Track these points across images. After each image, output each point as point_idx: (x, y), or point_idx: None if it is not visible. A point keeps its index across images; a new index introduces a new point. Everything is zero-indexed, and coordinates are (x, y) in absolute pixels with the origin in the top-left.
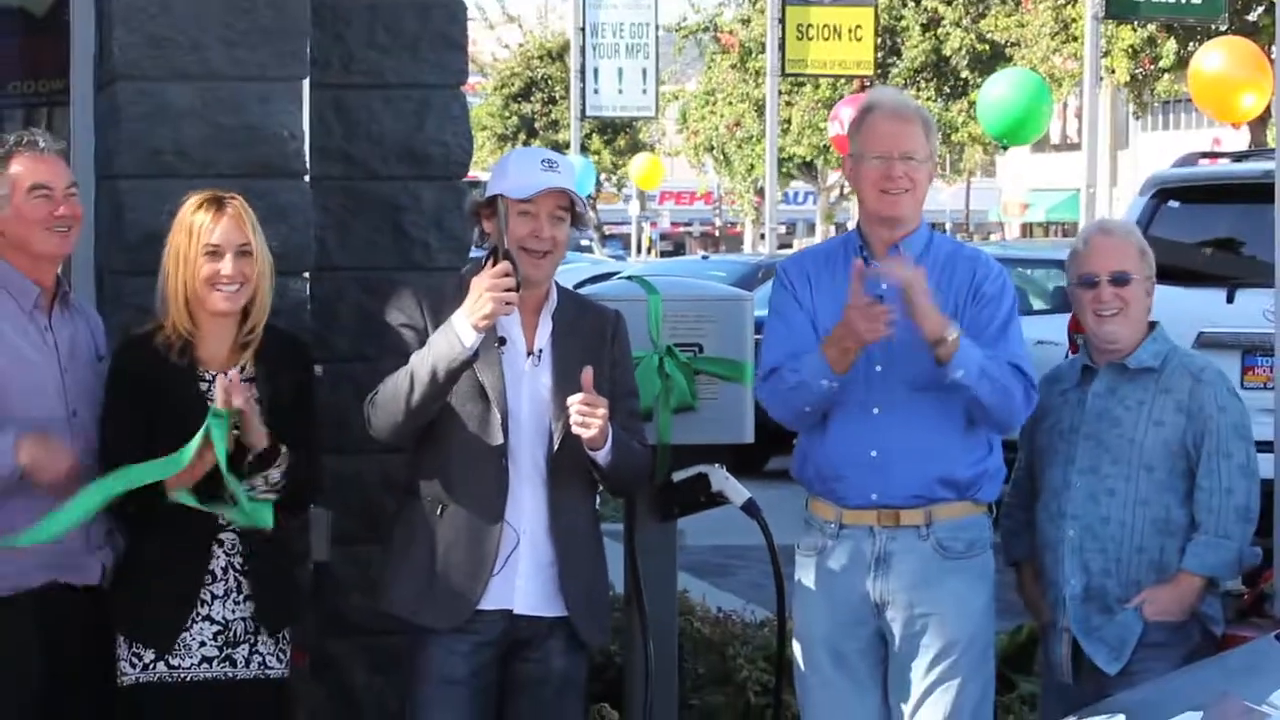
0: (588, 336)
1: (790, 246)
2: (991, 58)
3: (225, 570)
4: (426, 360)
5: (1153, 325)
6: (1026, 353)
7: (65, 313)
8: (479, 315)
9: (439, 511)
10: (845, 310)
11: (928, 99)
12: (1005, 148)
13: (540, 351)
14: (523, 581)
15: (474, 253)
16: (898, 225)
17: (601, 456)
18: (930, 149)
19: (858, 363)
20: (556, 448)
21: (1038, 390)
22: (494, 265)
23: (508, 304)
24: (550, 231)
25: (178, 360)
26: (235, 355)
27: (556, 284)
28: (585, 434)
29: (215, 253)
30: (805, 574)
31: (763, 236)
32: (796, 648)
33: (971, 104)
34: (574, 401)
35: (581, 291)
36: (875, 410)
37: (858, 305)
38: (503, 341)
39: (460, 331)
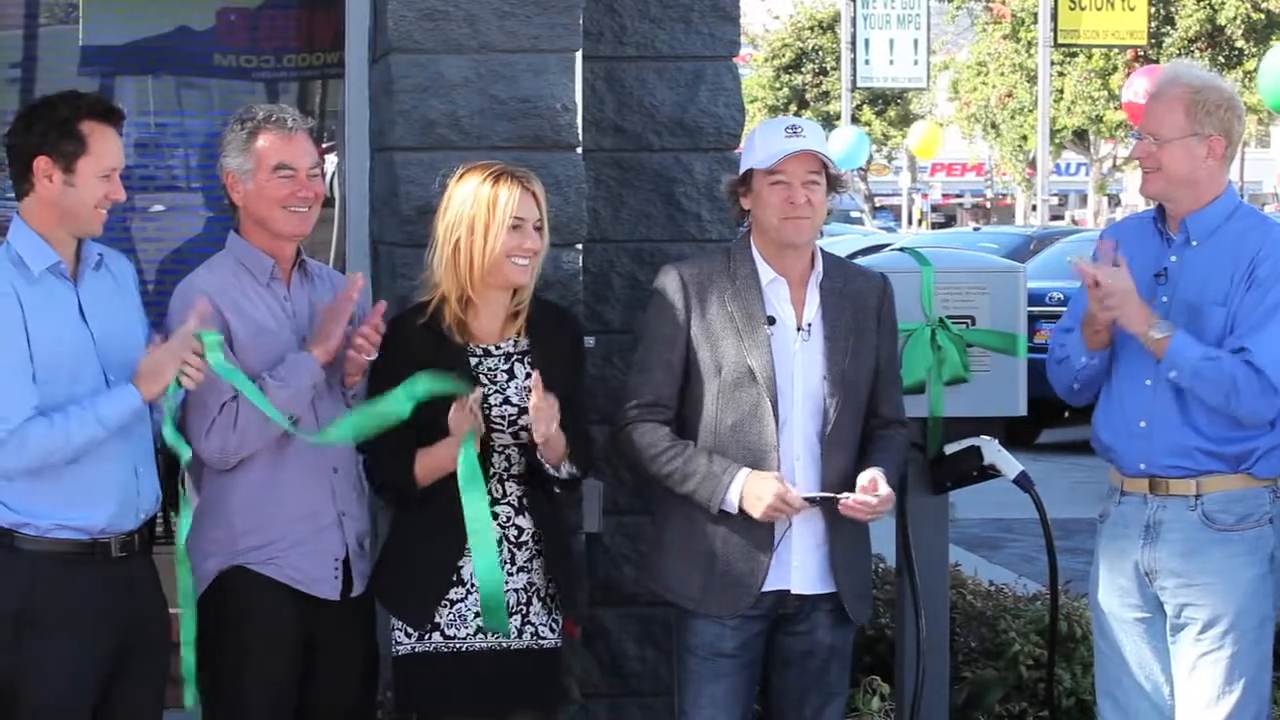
0: (856, 306)
1: (1061, 218)
2: (1267, 27)
3: (500, 541)
4: (686, 479)
5: None
6: None
7: (304, 281)
8: (750, 508)
9: None
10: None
11: (1202, 69)
12: None
13: (809, 326)
14: (798, 561)
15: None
16: (1164, 202)
17: None
18: (1191, 126)
19: (1134, 336)
20: (831, 426)
21: (1275, 389)
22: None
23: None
24: (806, 196)
25: (451, 333)
26: (507, 327)
27: (822, 251)
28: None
29: (518, 226)
30: (1098, 539)
31: (1034, 208)
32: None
33: (1247, 74)
34: (851, 502)
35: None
36: (1147, 382)
37: (1090, 285)
38: (772, 321)
39: (727, 499)
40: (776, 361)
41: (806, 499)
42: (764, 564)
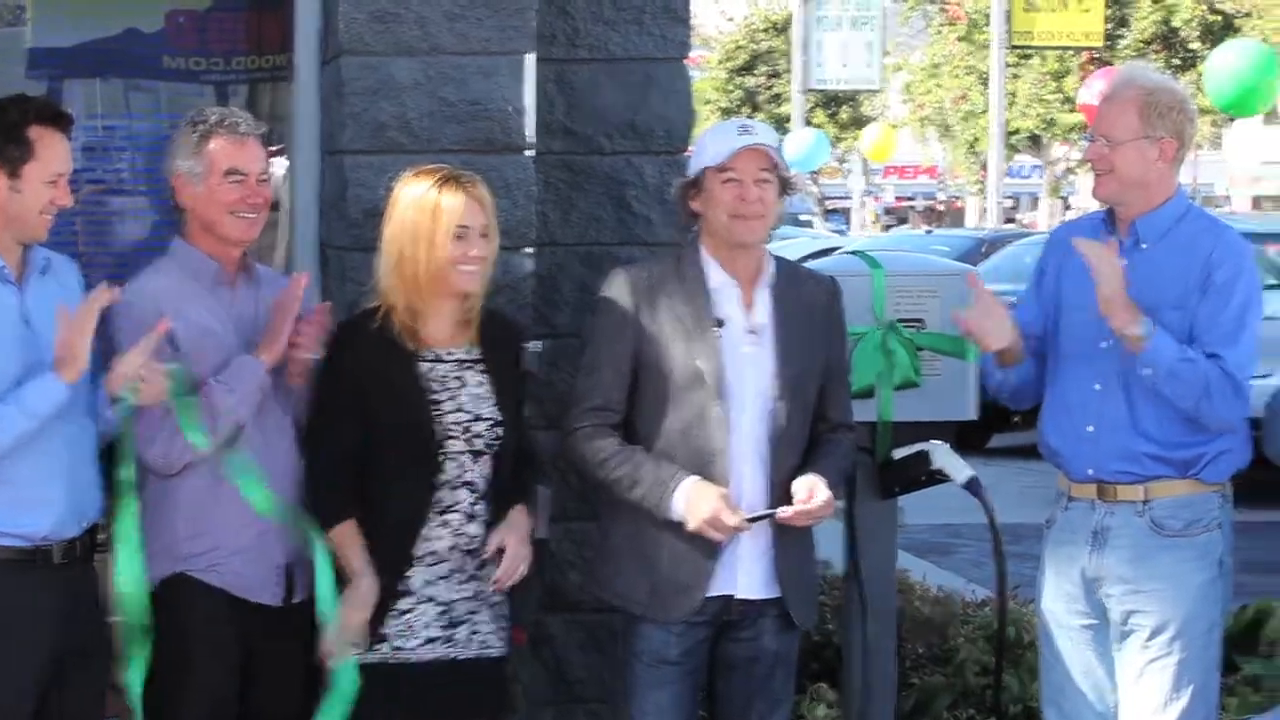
0: (808, 308)
1: (1013, 221)
2: (1223, 29)
3: (451, 550)
4: (633, 485)
5: None
6: (1251, 353)
7: (250, 285)
8: (689, 520)
9: None
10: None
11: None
12: (1233, 119)
13: (759, 328)
14: (745, 565)
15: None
16: (1116, 204)
17: None
18: (1143, 128)
19: (1086, 337)
20: (780, 429)
21: (1244, 396)
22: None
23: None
24: (757, 194)
25: (401, 340)
26: (459, 333)
27: (771, 254)
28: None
29: (463, 235)
30: (1045, 545)
31: (986, 211)
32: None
33: (1201, 76)
34: (789, 514)
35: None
36: (1096, 386)
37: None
38: (720, 323)
39: (673, 508)
40: (725, 364)
41: (748, 519)
42: (710, 569)
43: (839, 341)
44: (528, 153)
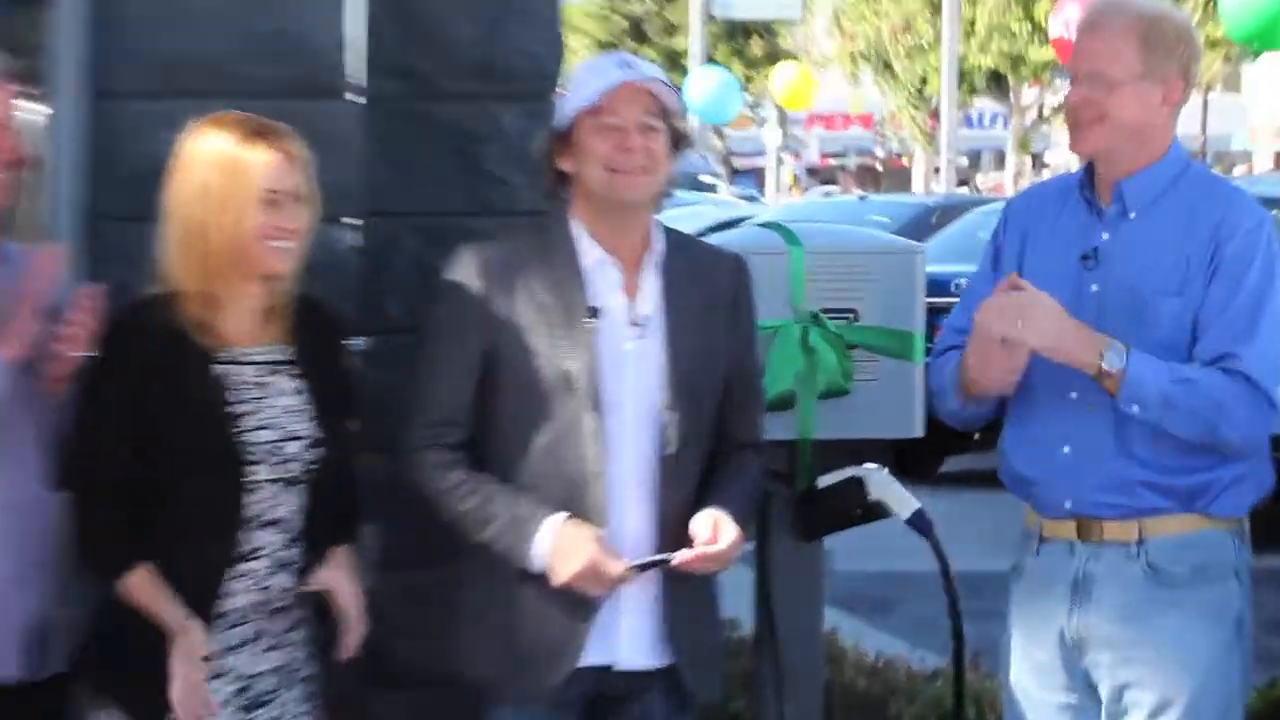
0: (705, 295)
1: (968, 184)
2: None
3: (255, 608)
4: (485, 524)
5: None
6: (1275, 347)
7: None
8: (558, 571)
9: None
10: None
11: None
12: (1256, 54)
13: (645, 320)
14: (628, 625)
15: None
16: (1100, 162)
17: None
18: (1145, 65)
19: None
20: (671, 448)
21: (1273, 402)
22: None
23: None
24: (641, 143)
25: (191, 336)
26: (264, 327)
27: (662, 227)
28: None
29: (273, 200)
30: (1011, 599)
31: (937, 170)
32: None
33: (1208, 1)
34: (688, 559)
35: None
36: (1073, 395)
37: (978, 341)
38: (595, 313)
39: (534, 555)
40: (602, 364)
41: (635, 567)
42: (583, 632)
43: (747, 337)
44: (353, 97)
